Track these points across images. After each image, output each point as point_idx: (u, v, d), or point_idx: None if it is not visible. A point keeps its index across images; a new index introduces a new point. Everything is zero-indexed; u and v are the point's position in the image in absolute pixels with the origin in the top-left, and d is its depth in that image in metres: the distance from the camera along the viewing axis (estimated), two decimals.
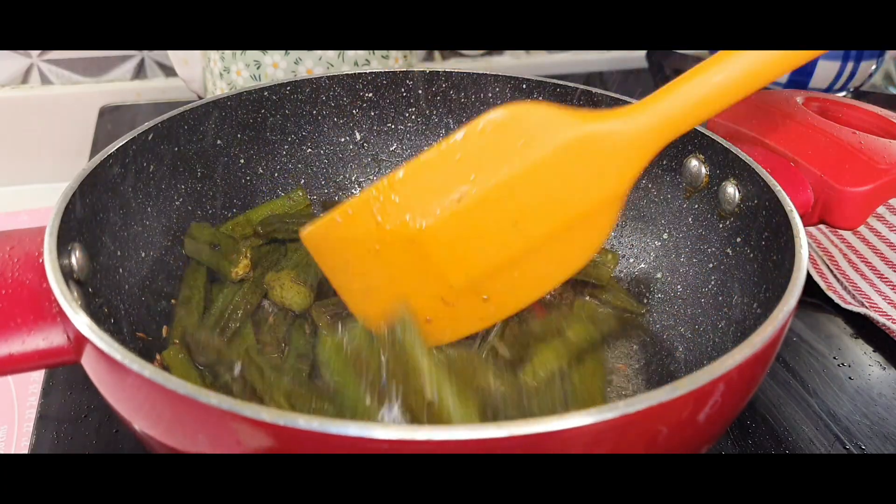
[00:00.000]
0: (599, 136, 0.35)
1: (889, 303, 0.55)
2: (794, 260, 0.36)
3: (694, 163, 0.49)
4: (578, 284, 0.52)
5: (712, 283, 0.48)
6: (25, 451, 0.46)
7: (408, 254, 0.36)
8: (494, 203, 0.35)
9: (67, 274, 0.35)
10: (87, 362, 0.31)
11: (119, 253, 0.43)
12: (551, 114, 0.36)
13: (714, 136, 0.48)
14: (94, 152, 0.76)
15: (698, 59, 0.96)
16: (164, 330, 0.46)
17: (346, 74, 0.56)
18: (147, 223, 0.47)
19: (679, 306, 0.50)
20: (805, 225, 0.40)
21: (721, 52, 0.36)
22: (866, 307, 0.55)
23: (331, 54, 0.69)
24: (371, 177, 0.59)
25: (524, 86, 0.56)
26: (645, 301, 0.52)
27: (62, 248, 0.35)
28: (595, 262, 0.50)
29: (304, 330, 0.47)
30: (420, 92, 0.57)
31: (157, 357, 0.44)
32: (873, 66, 0.80)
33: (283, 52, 0.69)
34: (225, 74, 0.71)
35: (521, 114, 0.36)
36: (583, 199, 0.36)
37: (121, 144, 0.44)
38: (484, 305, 0.38)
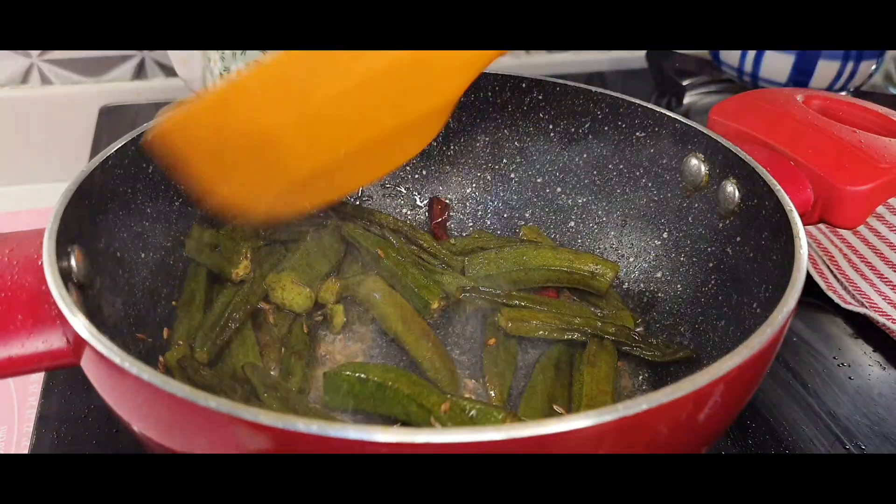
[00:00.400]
0: (421, 59, 0.40)
1: (889, 303, 0.55)
2: (793, 260, 0.36)
3: (694, 162, 0.49)
4: (578, 293, 0.52)
5: (712, 282, 0.48)
6: (25, 451, 0.46)
7: (262, 147, 0.39)
8: (339, 107, 0.39)
9: (67, 276, 0.35)
10: (87, 365, 0.31)
11: (119, 254, 0.43)
12: None
13: (714, 135, 0.48)
14: (94, 152, 0.76)
15: (698, 59, 0.96)
16: (165, 331, 0.46)
17: None
18: (147, 224, 0.47)
19: (679, 305, 0.50)
20: (805, 224, 0.40)
21: None
22: (866, 307, 0.55)
23: None
24: None
25: (524, 85, 0.56)
26: (644, 300, 0.52)
27: (61, 250, 0.35)
28: (593, 273, 0.50)
29: (304, 330, 0.47)
30: None
31: (161, 359, 0.44)
32: (873, 67, 0.79)
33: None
34: (225, 74, 0.71)
35: None
36: (411, 110, 0.40)
37: (120, 145, 0.44)
38: (328, 187, 0.42)
